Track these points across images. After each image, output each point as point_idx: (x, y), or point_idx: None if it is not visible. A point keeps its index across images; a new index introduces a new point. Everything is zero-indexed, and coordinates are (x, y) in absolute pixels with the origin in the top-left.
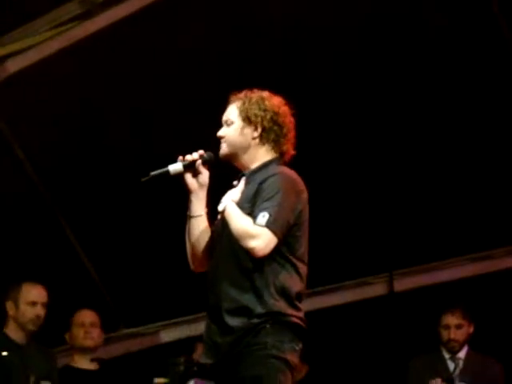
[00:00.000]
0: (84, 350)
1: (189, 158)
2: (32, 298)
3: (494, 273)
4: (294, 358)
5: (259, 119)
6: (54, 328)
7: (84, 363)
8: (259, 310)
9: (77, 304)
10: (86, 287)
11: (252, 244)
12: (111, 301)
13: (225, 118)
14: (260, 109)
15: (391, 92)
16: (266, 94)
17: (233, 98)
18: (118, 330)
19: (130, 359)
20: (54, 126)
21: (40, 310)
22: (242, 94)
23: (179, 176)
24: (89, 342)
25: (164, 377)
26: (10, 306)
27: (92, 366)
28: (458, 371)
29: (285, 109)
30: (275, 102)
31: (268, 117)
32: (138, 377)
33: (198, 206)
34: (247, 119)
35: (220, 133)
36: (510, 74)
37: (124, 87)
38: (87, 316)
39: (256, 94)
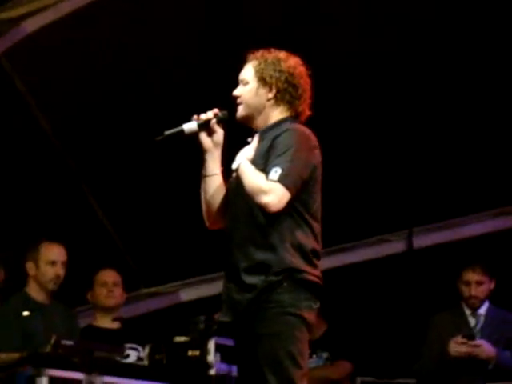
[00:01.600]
0: (106, 310)
1: (203, 116)
2: (51, 258)
3: None
4: (310, 316)
5: (274, 80)
6: (75, 287)
7: (106, 322)
8: (276, 266)
9: (98, 264)
10: (106, 247)
11: (265, 199)
12: (131, 260)
13: (241, 77)
14: (275, 70)
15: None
16: (282, 54)
17: (249, 57)
18: (139, 290)
19: (151, 318)
20: (73, 88)
21: (60, 269)
22: (258, 54)
23: (194, 135)
24: (111, 302)
25: (184, 335)
26: (30, 266)
27: (114, 325)
28: (479, 327)
29: (301, 70)
30: (291, 62)
31: (283, 78)
32: (158, 335)
33: (213, 165)
34: (262, 80)
35: (236, 92)
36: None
37: (143, 47)
38: (109, 275)
39: (272, 55)
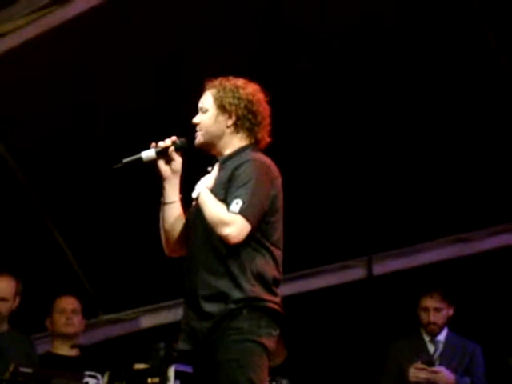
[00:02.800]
0: (65, 337)
1: (161, 144)
2: None
3: (473, 255)
4: (270, 343)
5: (233, 107)
6: (33, 314)
7: (65, 350)
8: (236, 295)
9: (56, 290)
10: (64, 273)
11: (226, 231)
12: (90, 287)
13: (200, 104)
14: (234, 97)
15: (365, 77)
16: (241, 81)
17: (208, 85)
18: (98, 316)
19: (110, 345)
20: (34, 110)
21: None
22: (217, 82)
23: (152, 163)
24: (70, 329)
25: (144, 362)
26: None
27: (73, 353)
28: (438, 354)
29: (260, 96)
30: (250, 89)
31: (242, 105)
32: (118, 362)
33: (172, 193)
34: (222, 107)
35: (195, 119)
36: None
37: (104, 70)
38: (68, 302)
39: (231, 82)
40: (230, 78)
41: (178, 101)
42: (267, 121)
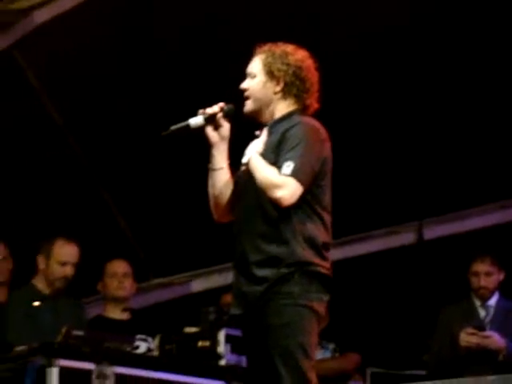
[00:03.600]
0: (117, 300)
1: (209, 110)
2: (63, 258)
3: None
4: (320, 308)
5: (281, 73)
6: (85, 278)
7: (116, 313)
8: (287, 259)
9: (107, 254)
10: (116, 238)
11: (278, 194)
12: (141, 251)
13: (248, 70)
14: (283, 63)
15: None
16: (290, 48)
17: (257, 50)
18: (149, 280)
19: (161, 309)
20: (84, 81)
21: (69, 270)
22: (266, 47)
23: (200, 129)
24: (122, 292)
25: (195, 326)
26: (41, 260)
27: (124, 316)
28: (488, 318)
29: (308, 63)
30: (299, 56)
31: (290, 71)
32: (168, 326)
33: (220, 159)
34: (270, 73)
35: (243, 85)
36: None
37: (155, 36)
38: (120, 266)
39: (280, 48)
40: (280, 43)
41: (225, 66)
42: (316, 87)
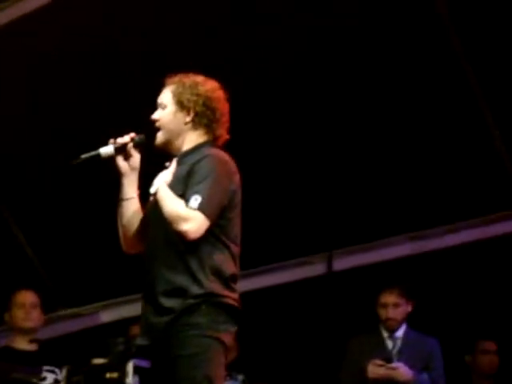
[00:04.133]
0: (24, 331)
1: (120, 140)
2: None
3: (431, 252)
4: (228, 339)
5: (191, 104)
6: None
7: (24, 344)
8: (194, 290)
9: (15, 284)
10: (23, 267)
11: (184, 227)
12: (49, 281)
13: (159, 100)
14: (193, 93)
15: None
16: (200, 78)
17: (168, 81)
18: (57, 311)
19: (69, 340)
20: None
21: None
22: (176, 78)
23: (111, 159)
24: (29, 323)
25: (103, 357)
26: None
27: (31, 347)
28: (396, 350)
29: (219, 93)
30: (209, 86)
31: (200, 102)
32: (76, 357)
33: (130, 189)
34: (180, 103)
35: (154, 115)
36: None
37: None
38: (27, 296)
39: (190, 79)
40: (190, 74)
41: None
42: (226, 118)
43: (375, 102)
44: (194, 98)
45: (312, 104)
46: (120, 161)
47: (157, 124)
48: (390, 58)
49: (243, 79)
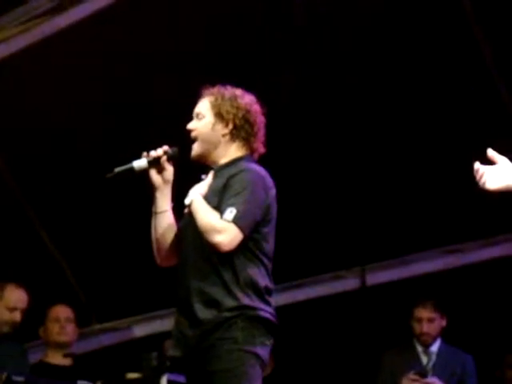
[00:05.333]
0: (59, 346)
1: (153, 154)
2: (13, 304)
3: (465, 266)
4: (264, 353)
5: (231, 116)
6: (27, 322)
7: (58, 359)
8: (229, 303)
9: (49, 299)
10: (58, 282)
11: (217, 239)
12: (83, 295)
13: (197, 110)
14: (232, 106)
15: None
16: (238, 91)
17: (206, 92)
18: (91, 325)
19: (103, 354)
20: (25, 124)
21: (18, 316)
22: (215, 89)
23: (144, 172)
24: (64, 338)
25: (137, 371)
26: None
27: (66, 362)
28: (431, 364)
29: (256, 107)
30: (247, 100)
31: (240, 115)
32: (110, 372)
33: (163, 202)
34: (219, 115)
35: (190, 125)
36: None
37: (95, 84)
38: (62, 311)
39: (229, 91)
40: (228, 86)
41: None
42: (262, 132)
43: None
44: (234, 110)
45: (343, 116)
46: (153, 174)
47: (192, 134)
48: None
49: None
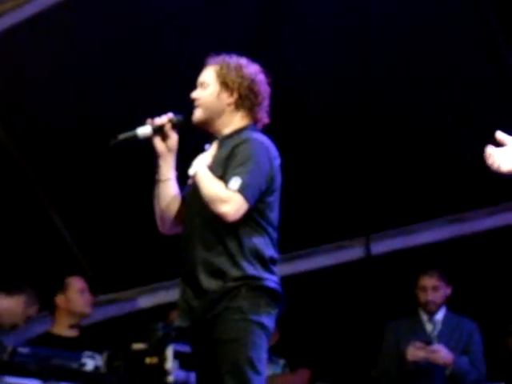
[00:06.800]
0: (81, 316)
1: (157, 121)
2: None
3: (471, 234)
4: (270, 322)
5: (236, 85)
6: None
7: (65, 330)
8: (234, 273)
9: (53, 270)
10: (62, 253)
11: (223, 209)
12: (88, 266)
13: (201, 79)
14: (238, 75)
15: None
16: (243, 60)
17: (210, 61)
18: (96, 296)
19: (108, 326)
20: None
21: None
22: (220, 59)
23: (148, 139)
24: (88, 309)
25: (142, 342)
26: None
27: (72, 333)
28: (435, 333)
29: (261, 77)
30: (252, 69)
31: (245, 84)
32: (116, 343)
33: (167, 170)
34: (224, 84)
35: (194, 94)
36: None
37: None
38: (84, 283)
39: (234, 60)
40: (233, 55)
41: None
42: (267, 102)
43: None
44: (239, 79)
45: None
46: (157, 141)
47: (196, 103)
48: None
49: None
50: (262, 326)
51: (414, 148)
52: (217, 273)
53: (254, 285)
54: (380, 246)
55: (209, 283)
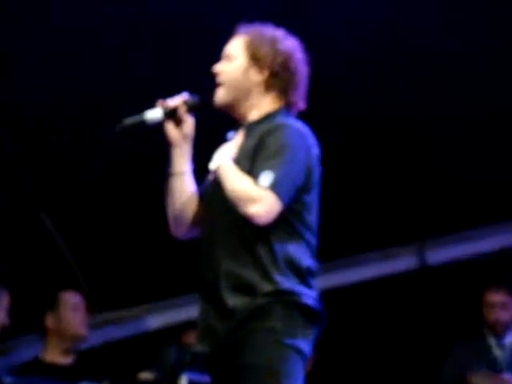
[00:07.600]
0: (76, 339)
1: (170, 103)
2: None
3: None
4: (307, 347)
5: (268, 61)
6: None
7: (57, 356)
8: (265, 287)
9: (43, 284)
10: (54, 264)
11: (252, 209)
12: (84, 280)
13: (227, 51)
14: (272, 49)
15: None
16: (280, 33)
17: (241, 29)
18: (94, 316)
19: (110, 350)
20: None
21: None
22: (251, 28)
23: (159, 125)
24: (83, 331)
25: (151, 370)
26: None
27: (67, 360)
28: (505, 359)
29: (299, 55)
30: (290, 44)
31: (279, 60)
32: (119, 371)
33: (181, 162)
34: (254, 58)
35: (218, 67)
36: None
37: None
38: (79, 299)
39: (269, 31)
40: (269, 26)
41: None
42: (304, 84)
43: None
44: (272, 54)
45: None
46: (170, 128)
47: (219, 78)
48: None
49: None
50: (299, 351)
51: (475, 149)
52: (244, 287)
53: (288, 301)
54: (436, 255)
55: (234, 300)
